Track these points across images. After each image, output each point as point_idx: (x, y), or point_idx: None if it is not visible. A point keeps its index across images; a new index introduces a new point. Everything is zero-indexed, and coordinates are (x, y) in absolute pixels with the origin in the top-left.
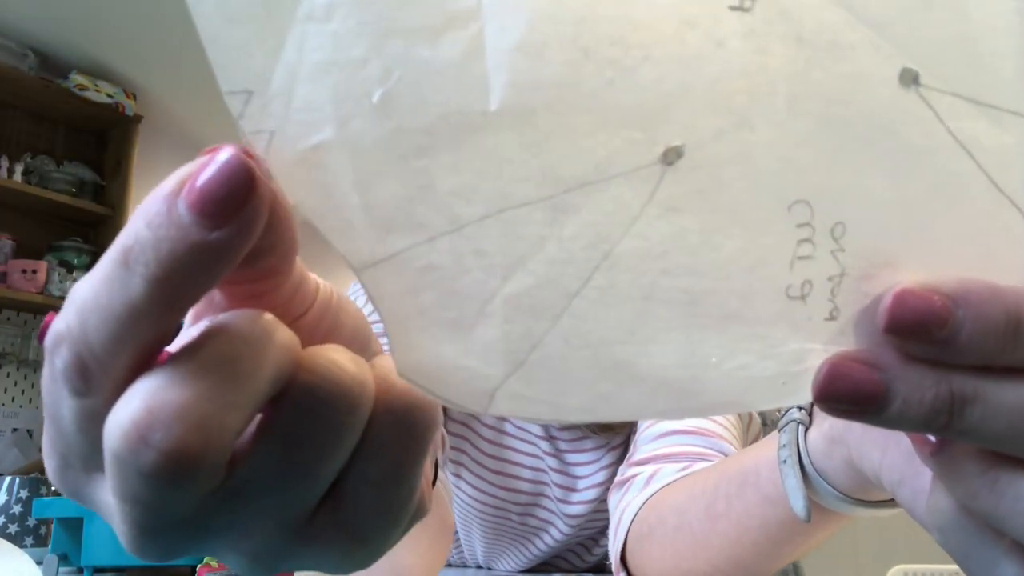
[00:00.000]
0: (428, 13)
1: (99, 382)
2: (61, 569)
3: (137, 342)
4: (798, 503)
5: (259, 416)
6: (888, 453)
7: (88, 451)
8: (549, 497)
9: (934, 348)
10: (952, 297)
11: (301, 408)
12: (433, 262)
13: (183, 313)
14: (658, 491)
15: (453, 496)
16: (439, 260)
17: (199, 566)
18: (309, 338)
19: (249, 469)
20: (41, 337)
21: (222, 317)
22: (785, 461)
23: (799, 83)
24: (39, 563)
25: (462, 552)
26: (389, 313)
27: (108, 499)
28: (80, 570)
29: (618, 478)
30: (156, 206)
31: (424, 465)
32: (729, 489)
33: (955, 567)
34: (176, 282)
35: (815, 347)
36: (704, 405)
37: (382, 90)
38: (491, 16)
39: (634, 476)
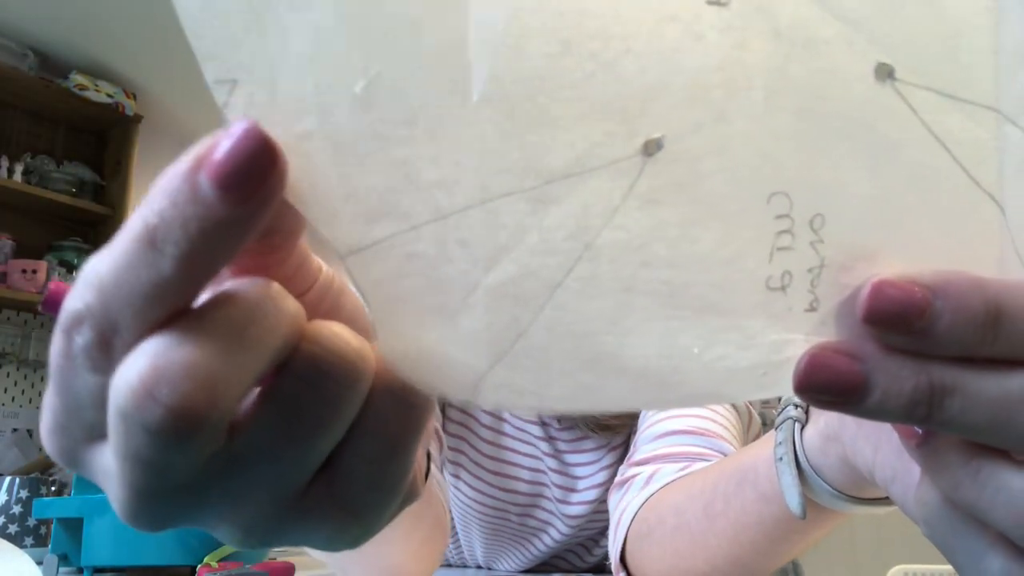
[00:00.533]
0: (409, 4)
1: (121, 358)
2: (61, 569)
3: (160, 316)
4: (794, 500)
5: (259, 389)
6: (881, 450)
7: (97, 422)
8: (548, 498)
9: (913, 339)
10: (930, 288)
11: (303, 378)
12: (417, 250)
13: (206, 284)
14: (657, 491)
15: (452, 497)
16: (423, 248)
17: (199, 566)
18: (310, 316)
19: (248, 436)
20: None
21: (232, 284)
22: (781, 458)
23: (776, 78)
24: (39, 563)
25: (462, 552)
26: (374, 299)
27: (107, 464)
28: (80, 570)
29: (618, 478)
30: (178, 184)
31: (419, 446)
32: (727, 488)
33: None
34: (205, 257)
35: (796, 338)
36: (686, 396)
37: (363, 81)
38: (473, 7)
39: (634, 476)
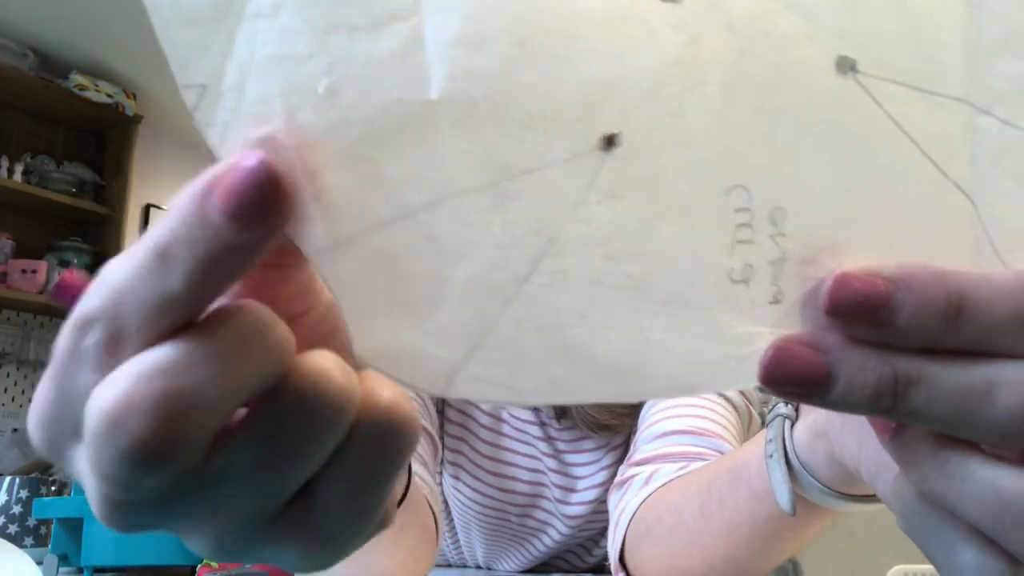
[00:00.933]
0: (369, 9)
1: (124, 361)
2: (61, 569)
3: (167, 327)
4: (783, 497)
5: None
6: (865, 445)
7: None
8: (548, 498)
9: (876, 330)
10: (892, 280)
11: (285, 412)
12: (386, 247)
13: (214, 300)
14: (656, 491)
15: (452, 497)
16: (391, 246)
17: (199, 566)
18: (308, 336)
19: (224, 460)
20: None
21: (221, 309)
22: (771, 456)
23: (732, 72)
24: (39, 563)
25: (462, 552)
26: (345, 298)
27: (86, 468)
28: (80, 570)
29: (617, 478)
30: (189, 205)
31: (397, 481)
32: (721, 487)
33: None
34: (212, 277)
35: (761, 330)
36: (657, 389)
37: (327, 82)
38: (429, 10)
39: (633, 476)
